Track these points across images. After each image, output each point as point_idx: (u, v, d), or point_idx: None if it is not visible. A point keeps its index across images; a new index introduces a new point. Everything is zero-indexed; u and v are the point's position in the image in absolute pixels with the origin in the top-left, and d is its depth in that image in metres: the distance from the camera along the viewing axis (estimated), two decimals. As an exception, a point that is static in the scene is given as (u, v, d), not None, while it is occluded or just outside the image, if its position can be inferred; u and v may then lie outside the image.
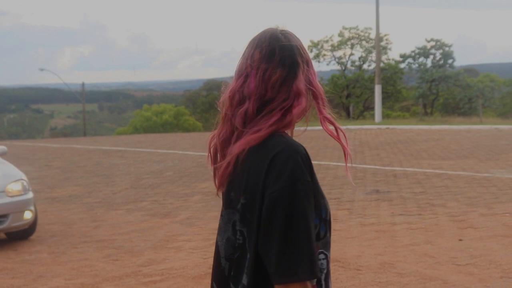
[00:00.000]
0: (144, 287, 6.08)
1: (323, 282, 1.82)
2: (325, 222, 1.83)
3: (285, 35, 1.94)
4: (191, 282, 6.17)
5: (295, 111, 1.89)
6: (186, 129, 46.42)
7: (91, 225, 9.15)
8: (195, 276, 6.35)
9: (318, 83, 1.97)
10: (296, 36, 1.97)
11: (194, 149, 20.68)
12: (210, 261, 6.79)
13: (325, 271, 1.82)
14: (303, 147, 1.84)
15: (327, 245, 1.85)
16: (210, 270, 6.73)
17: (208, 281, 6.14)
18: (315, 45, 49.57)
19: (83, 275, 6.56)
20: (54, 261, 7.20)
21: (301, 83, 1.91)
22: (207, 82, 76.79)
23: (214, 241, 6.93)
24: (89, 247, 7.80)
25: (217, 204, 10.27)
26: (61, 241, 8.12)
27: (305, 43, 2.01)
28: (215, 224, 8.63)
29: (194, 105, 67.19)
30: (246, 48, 1.95)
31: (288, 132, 1.94)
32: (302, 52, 1.93)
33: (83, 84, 51.34)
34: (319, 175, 13.02)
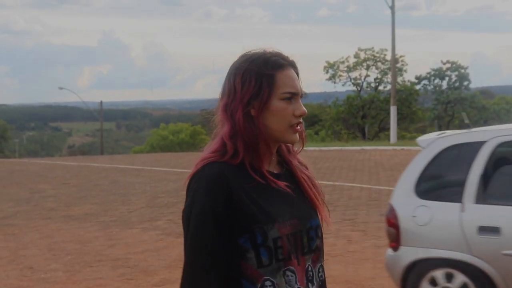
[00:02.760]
0: (158, 307, 6.12)
1: None
2: (266, 248, 1.78)
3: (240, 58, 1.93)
4: None
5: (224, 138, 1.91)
6: (203, 149, 46.55)
7: (107, 243, 9.22)
8: None
9: (239, 118, 1.86)
10: (248, 59, 1.89)
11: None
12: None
13: None
14: (217, 171, 1.81)
15: (274, 272, 1.79)
16: None
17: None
18: (331, 66, 49.69)
19: (98, 293, 6.62)
20: (69, 280, 7.26)
21: (218, 109, 1.94)
22: (224, 101, 77.11)
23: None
24: (104, 266, 7.86)
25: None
26: (76, 260, 8.19)
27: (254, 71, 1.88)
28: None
29: (210, 124, 67.43)
30: None
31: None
32: (229, 79, 1.90)
33: (101, 103, 51.77)
34: (333, 196, 13.05)
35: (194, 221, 1.79)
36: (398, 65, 45.71)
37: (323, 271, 1.93)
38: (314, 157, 24.62)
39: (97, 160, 29.16)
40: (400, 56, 46.98)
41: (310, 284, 1.87)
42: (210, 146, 1.93)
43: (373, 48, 48.99)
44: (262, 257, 1.79)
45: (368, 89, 50.56)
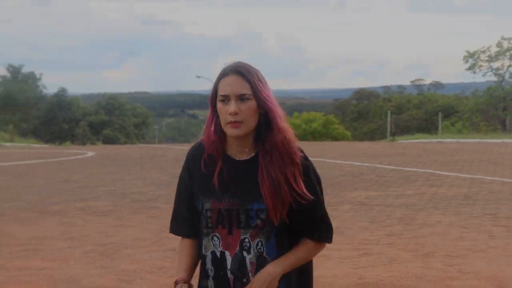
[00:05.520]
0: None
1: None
2: (203, 215, 2.39)
3: None
4: (341, 291, 6.20)
5: None
6: (335, 138, 46.41)
7: (243, 229, 9.39)
8: (345, 285, 6.36)
9: (208, 116, 2.45)
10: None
11: (343, 158, 20.67)
12: (360, 271, 6.80)
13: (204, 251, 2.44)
14: (191, 150, 2.49)
15: (206, 235, 2.40)
16: (360, 281, 6.63)
17: (357, 291, 6.14)
18: (471, 55, 47.92)
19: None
20: (208, 262, 7.47)
21: None
22: (357, 91, 76.46)
23: (364, 251, 6.99)
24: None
25: (366, 214, 10.22)
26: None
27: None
28: (365, 234, 8.60)
29: (343, 114, 67.04)
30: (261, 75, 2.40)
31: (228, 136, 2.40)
32: None
33: (235, 92, 52.74)
34: (472, 189, 12.62)
35: (179, 180, 2.55)
36: (545, 54, 43.30)
37: (262, 245, 2.35)
38: (451, 149, 23.90)
39: (232, 147, 29.77)
40: (547, 45, 44.47)
41: (245, 252, 2.35)
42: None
43: (517, 36, 46.68)
44: (202, 221, 2.40)
45: (511, 80, 48.30)
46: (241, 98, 2.29)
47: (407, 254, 7.54)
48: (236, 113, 2.28)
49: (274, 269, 2.35)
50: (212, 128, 2.39)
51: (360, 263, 7.13)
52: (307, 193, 2.36)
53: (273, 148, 2.35)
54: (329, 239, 2.52)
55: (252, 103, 2.31)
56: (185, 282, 2.42)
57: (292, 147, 2.39)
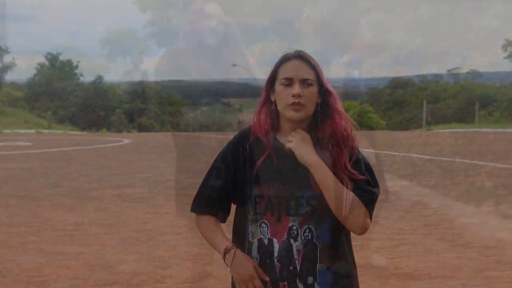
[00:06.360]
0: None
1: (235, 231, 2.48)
2: (251, 202, 2.35)
3: None
4: (377, 281, 6.18)
5: None
6: (370, 127, 46.15)
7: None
8: (382, 275, 6.34)
9: (262, 99, 2.44)
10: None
11: (378, 147, 20.53)
12: (396, 261, 6.76)
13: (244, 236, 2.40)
14: (240, 134, 2.44)
15: (253, 221, 2.37)
16: (396, 271, 6.57)
17: (393, 281, 6.11)
18: (510, 44, 47.17)
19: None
20: (244, 250, 7.50)
21: None
22: (393, 80, 75.82)
23: (400, 241, 6.92)
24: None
25: (402, 204, 10.15)
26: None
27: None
28: (401, 224, 8.55)
29: (378, 103, 66.55)
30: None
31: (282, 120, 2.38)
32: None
33: (270, 80, 52.74)
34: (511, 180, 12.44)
35: (215, 163, 2.45)
36: None
37: (310, 232, 2.32)
38: (488, 139, 23.59)
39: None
40: None
41: (292, 240, 2.33)
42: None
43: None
44: (249, 207, 2.37)
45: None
46: (304, 82, 2.32)
47: (444, 244, 7.48)
48: (299, 96, 2.29)
49: (313, 149, 2.32)
50: (264, 114, 2.40)
51: (396, 253, 7.09)
52: (359, 175, 2.35)
53: (326, 136, 2.36)
54: (367, 202, 2.36)
55: (314, 89, 2.33)
56: (235, 248, 2.37)
57: (349, 133, 2.41)
